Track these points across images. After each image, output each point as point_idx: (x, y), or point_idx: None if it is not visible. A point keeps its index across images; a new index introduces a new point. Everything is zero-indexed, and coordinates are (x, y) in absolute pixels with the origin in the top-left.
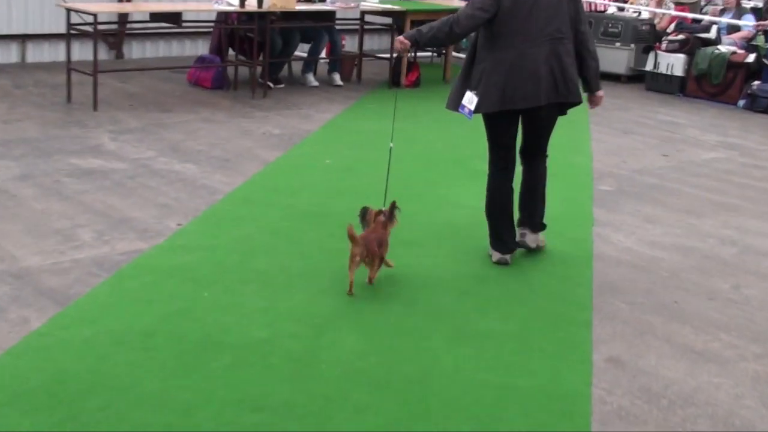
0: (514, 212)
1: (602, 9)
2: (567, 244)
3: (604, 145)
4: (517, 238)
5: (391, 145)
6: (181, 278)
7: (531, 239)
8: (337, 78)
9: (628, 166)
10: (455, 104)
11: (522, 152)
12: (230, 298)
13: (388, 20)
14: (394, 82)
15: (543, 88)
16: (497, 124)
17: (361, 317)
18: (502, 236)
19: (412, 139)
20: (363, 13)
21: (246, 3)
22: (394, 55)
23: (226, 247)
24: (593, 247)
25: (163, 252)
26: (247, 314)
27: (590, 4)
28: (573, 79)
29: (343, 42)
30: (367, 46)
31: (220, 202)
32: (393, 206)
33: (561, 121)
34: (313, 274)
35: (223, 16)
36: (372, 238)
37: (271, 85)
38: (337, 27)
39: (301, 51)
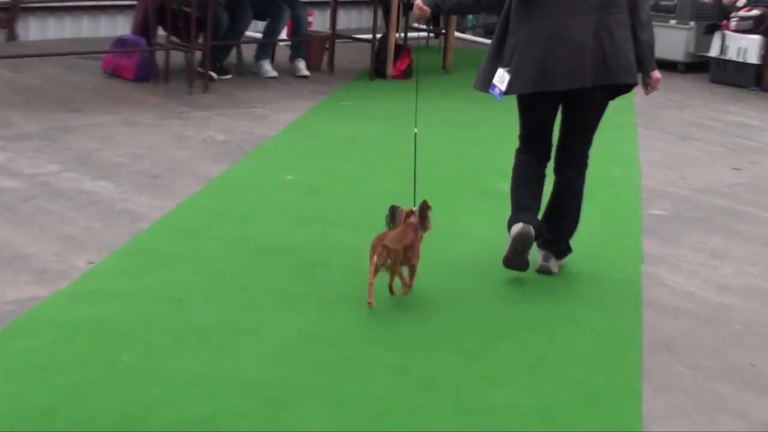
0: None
1: None
2: (608, 289)
3: (655, 156)
4: (539, 261)
5: (416, 130)
6: (92, 336)
7: (554, 265)
8: (302, 67)
9: (688, 183)
10: (484, 83)
11: (558, 154)
12: (158, 363)
13: None
14: (378, 71)
15: (589, 66)
16: (532, 109)
17: (335, 388)
18: (522, 204)
19: (403, 149)
20: None
21: None
22: (401, 33)
23: (153, 293)
24: (643, 293)
25: (67, 300)
26: (181, 384)
27: None
28: (627, 55)
29: (310, 19)
30: (342, 25)
31: (145, 233)
32: (424, 207)
33: (602, 125)
34: (269, 330)
35: None
36: (394, 237)
37: (215, 75)
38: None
39: (255, 30)
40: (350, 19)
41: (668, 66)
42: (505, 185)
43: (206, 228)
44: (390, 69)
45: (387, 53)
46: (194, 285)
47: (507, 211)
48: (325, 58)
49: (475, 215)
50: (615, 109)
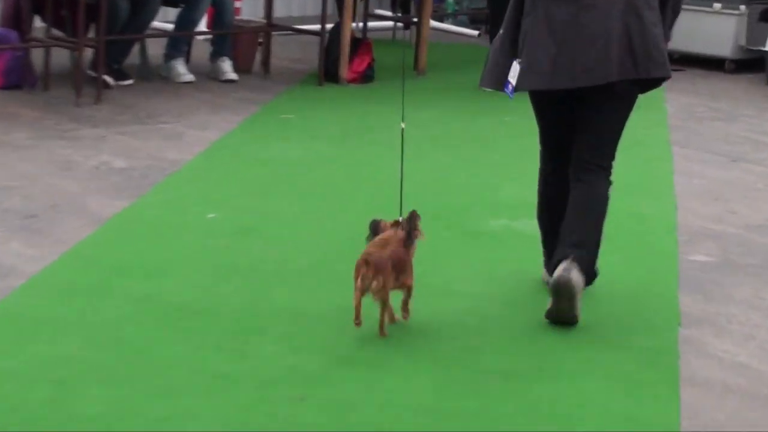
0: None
1: None
2: (637, 360)
3: (696, 183)
4: (557, 274)
5: (402, 125)
6: None
7: (577, 278)
8: (227, 68)
9: (740, 219)
10: (495, 80)
11: (574, 162)
12: None
13: None
14: (329, 74)
15: (614, 57)
16: (547, 108)
17: None
18: (546, 249)
19: (364, 177)
20: None
21: None
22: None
23: (27, 373)
24: (681, 364)
25: None
26: None
27: None
28: (658, 43)
29: (238, 5)
30: (280, 12)
31: (17, 293)
32: (413, 217)
33: (625, 139)
34: (186, 422)
35: None
36: (383, 256)
37: (111, 81)
38: None
39: (164, 20)
40: (291, 4)
41: (712, 64)
42: (499, 223)
43: (100, 285)
44: (345, 70)
45: (341, 50)
46: (83, 362)
47: (502, 257)
48: (259, 57)
49: (461, 264)
50: (643, 121)
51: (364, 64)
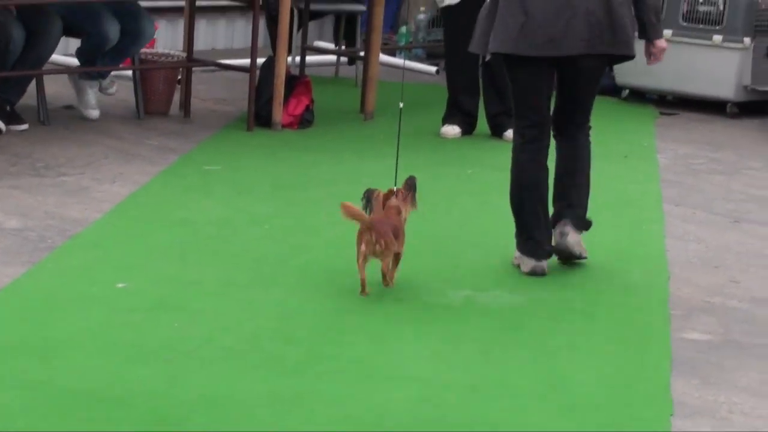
0: (549, 205)
1: None
2: None
3: (692, 248)
4: (555, 240)
5: (401, 104)
6: None
7: (574, 240)
8: (92, 100)
9: (742, 290)
10: (482, 46)
11: (555, 123)
12: None
13: None
14: (260, 117)
15: (579, 31)
16: (521, 73)
17: None
18: (533, 234)
19: (303, 239)
20: None
21: None
22: None
23: None
24: None
25: None
26: None
27: None
28: (624, 22)
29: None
30: (203, 44)
31: None
32: (410, 184)
33: (610, 196)
34: None
35: None
36: (385, 222)
37: (2, 125)
38: (145, 4)
39: (66, 54)
40: (215, 35)
41: (712, 107)
42: (461, 295)
43: None
44: (279, 114)
45: (274, 89)
46: None
47: (459, 334)
48: (177, 97)
49: (415, 344)
50: (632, 175)
51: (302, 107)
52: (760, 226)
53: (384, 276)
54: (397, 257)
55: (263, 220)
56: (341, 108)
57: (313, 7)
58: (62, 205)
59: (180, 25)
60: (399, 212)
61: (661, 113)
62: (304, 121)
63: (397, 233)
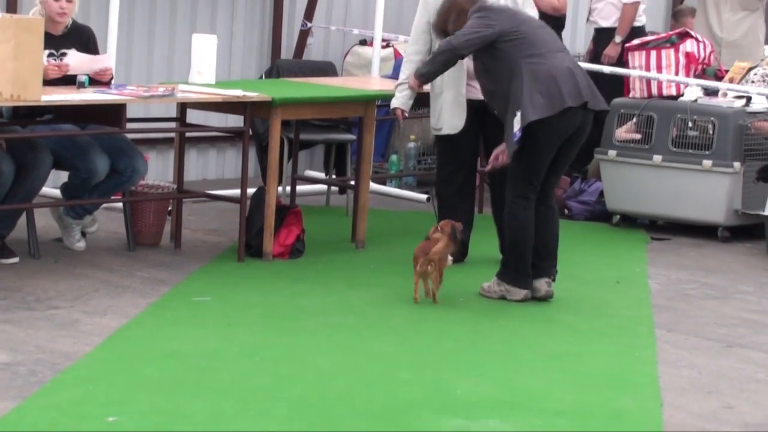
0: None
1: (674, 93)
2: None
3: (685, 374)
4: (542, 293)
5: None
6: None
7: (552, 289)
8: (77, 233)
9: (736, 416)
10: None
11: (545, 190)
12: None
13: (237, 120)
14: (251, 248)
15: (584, 87)
16: (544, 140)
17: None
18: (528, 271)
19: (295, 370)
20: (184, 106)
21: None
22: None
23: None
24: None
25: None
26: None
27: (647, 83)
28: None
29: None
30: (193, 175)
31: None
32: (452, 226)
33: (602, 323)
34: None
35: None
36: (426, 248)
37: None
38: (133, 136)
39: (55, 187)
40: (206, 166)
41: (703, 232)
42: (454, 424)
43: None
44: (269, 244)
45: (264, 220)
46: None
47: None
48: (168, 229)
49: None
50: (623, 301)
51: (293, 237)
52: (752, 350)
53: (432, 294)
54: (439, 279)
55: (254, 351)
56: (332, 237)
57: (303, 136)
58: (52, 338)
59: (170, 156)
60: (445, 243)
61: (653, 238)
62: (295, 251)
63: (441, 262)
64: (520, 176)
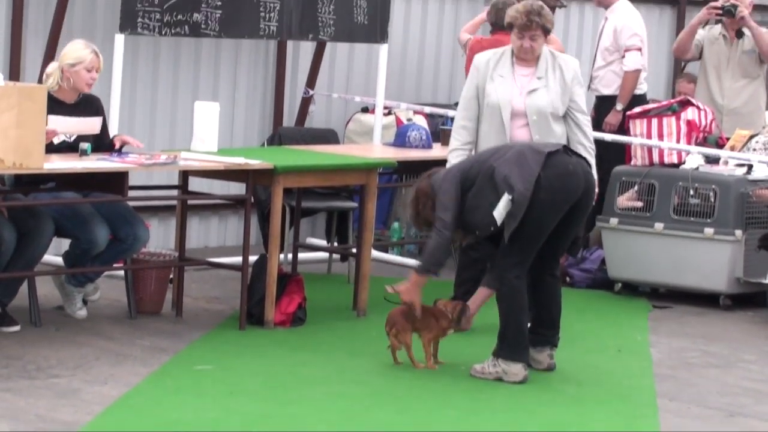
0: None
1: (676, 161)
2: None
3: None
4: (544, 365)
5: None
6: None
7: (553, 360)
8: (77, 303)
9: None
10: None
11: (547, 263)
12: None
13: (239, 187)
14: (252, 315)
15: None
16: (546, 216)
17: None
18: (526, 344)
19: None
20: (186, 174)
21: None
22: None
23: None
24: None
25: None
26: None
27: (648, 151)
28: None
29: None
30: (195, 242)
31: None
32: (462, 306)
33: (603, 392)
34: None
35: None
36: (401, 310)
37: None
38: (135, 204)
39: (57, 254)
40: (207, 233)
41: (705, 300)
42: None
43: None
44: (271, 312)
45: (266, 287)
46: None
47: None
48: (169, 296)
49: None
50: (625, 370)
51: (294, 305)
52: (755, 419)
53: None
54: (429, 338)
55: (255, 420)
56: (334, 305)
57: (305, 204)
58: (53, 407)
59: (172, 224)
60: (436, 316)
61: (654, 306)
62: (297, 319)
63: (420, 318)
64: (517, 244)
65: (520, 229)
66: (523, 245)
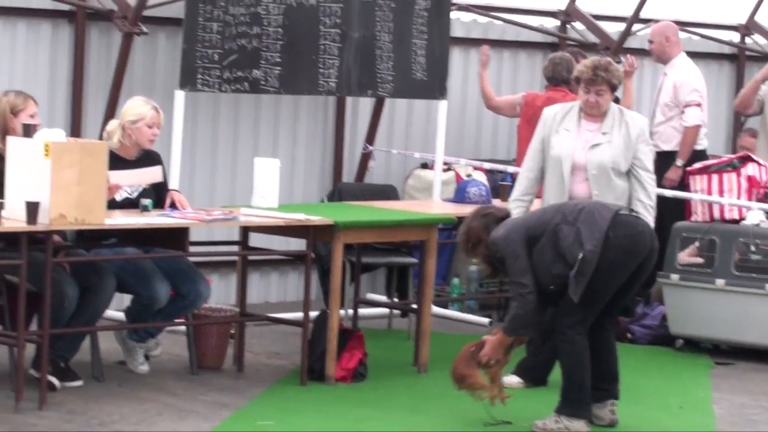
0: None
1: (736, 216)
2: None
3: None
4: (606, 421)
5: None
6: None
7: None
8: (140, 356)
9: None
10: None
11: (608, 317)
12: None
13: (299, 243)
14: (314, 371)
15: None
16: (617, 281)
17: None
18: (588, 397)
19: None
20: (246, 229)
21: (2, 215)
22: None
23: None
24: None
25: None
26: None
27: (709, 207)
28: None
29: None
30: (255, 297)
31: None
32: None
33: None
34: None
35: None
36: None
37: (57, 382)
38: (196, 260)
39: (118, 309)
40: (268, 288)
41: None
42: None
43: None
44: (332, 368)
45: (327, 343)
46: None
47: None
48: (230, 352)
49: None
50: (687, 424)
51: (355, 360)
52: None
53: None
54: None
55: None
56: (394, 361)
57: (365, 260)
58: None
59: (232, 279)
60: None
61: (717, 363)
62: (358, 374)
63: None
64: (582, 301)
65: (586, 287)
66: (588, 303)
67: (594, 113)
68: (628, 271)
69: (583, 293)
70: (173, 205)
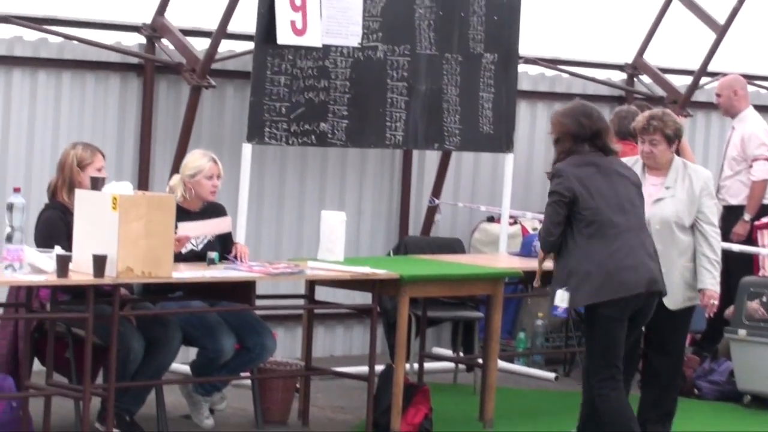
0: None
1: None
2: None
3: None
4: None
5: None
6: None
7: None
8: (205, 410)
9: None
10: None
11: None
12: None
13: (364, 296)
14: (379, 426)
15: (656, 271)
16: (613, 320)
17: None
18: None
19: None
20: (312, 283)
21: (70, 267)
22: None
23: None
24: None
25: None
26: None
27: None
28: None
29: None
30: (321, 351)
31: None
32: None
33: None
34: None
35: (21, 295)
36: None
37: None
38: (262, 313)
39: (184, 362)
40: (333, 342)
41: None
42: None
43: None
44: (398, 422)
45: (393, 397)
46: None
47: None
48: (296, 404)
49: None
50: None
51: (421, 415)
52: None
53: None
54: None
55: None
56: (460, 416)
57: (431, 314)
58: None
59: (298, 333)
60: None
61: None
62: (423, 429)
63: None
64: (599, 358)
65: (594, 339)
66: (604, 355)
67: (651, 164)
68: (626, 316)
69: (595, 346)
70: (235, 256)
